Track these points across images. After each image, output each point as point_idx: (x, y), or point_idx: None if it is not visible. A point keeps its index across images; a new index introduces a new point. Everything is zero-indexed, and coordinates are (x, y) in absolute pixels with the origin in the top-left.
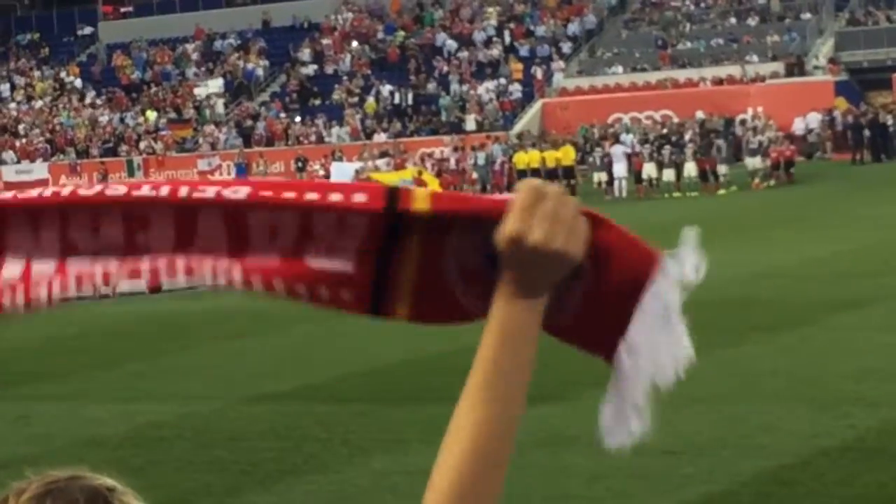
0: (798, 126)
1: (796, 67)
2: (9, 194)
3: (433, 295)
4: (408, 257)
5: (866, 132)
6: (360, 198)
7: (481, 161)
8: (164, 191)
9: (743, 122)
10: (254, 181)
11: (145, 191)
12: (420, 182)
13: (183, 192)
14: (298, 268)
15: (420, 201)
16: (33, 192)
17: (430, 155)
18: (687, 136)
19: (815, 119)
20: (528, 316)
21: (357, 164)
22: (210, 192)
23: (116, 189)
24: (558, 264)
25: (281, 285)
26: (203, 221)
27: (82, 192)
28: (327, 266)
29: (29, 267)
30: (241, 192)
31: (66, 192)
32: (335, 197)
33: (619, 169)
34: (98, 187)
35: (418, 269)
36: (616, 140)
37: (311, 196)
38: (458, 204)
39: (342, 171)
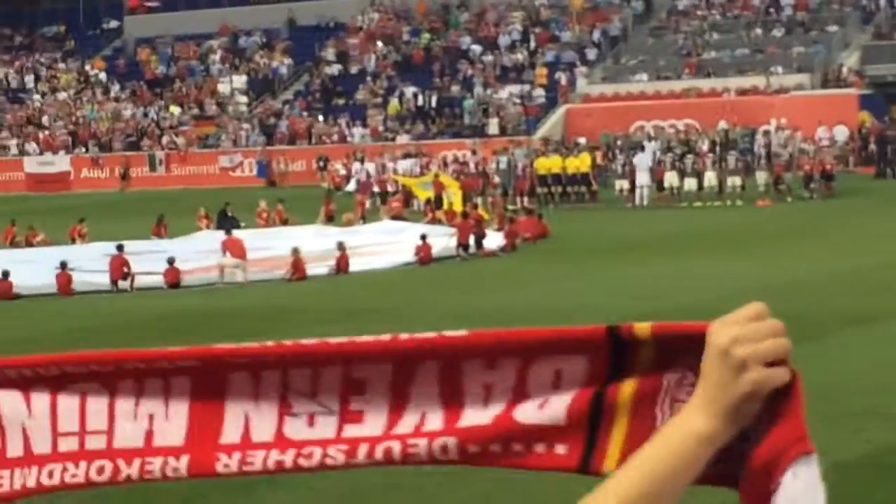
0: (820, 136)
1: (824, 79)
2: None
3: (643, 442)
4: (624, 398)
5: (890, 146)
6: (580, 331)
7: (503, 165)
8: (385, 338)
9: (766, 133)
10: (473, 332)
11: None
12: (438, 185)
13: (402, 337)
14: (511, 425)
15: (641, 326)
16: (253, 344)
17: (456, 159)
18: (705, 146)
19: (840, 132)
20: (698, 439)
21: (381, 163)
22: (429, 334)
23: (332, 343)
24: (733, 379)
25: (498, 448)
26: (419, 377)
27: (304, 341)
28: (540, 420)
29: (248, 434)
30: (459, 331)
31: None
32: (560, 341)
33: (643, 177)
34: (315, 341)
35: (634, 410)
36: (640, 148)
37: (540, 331)
38: (678, 326)
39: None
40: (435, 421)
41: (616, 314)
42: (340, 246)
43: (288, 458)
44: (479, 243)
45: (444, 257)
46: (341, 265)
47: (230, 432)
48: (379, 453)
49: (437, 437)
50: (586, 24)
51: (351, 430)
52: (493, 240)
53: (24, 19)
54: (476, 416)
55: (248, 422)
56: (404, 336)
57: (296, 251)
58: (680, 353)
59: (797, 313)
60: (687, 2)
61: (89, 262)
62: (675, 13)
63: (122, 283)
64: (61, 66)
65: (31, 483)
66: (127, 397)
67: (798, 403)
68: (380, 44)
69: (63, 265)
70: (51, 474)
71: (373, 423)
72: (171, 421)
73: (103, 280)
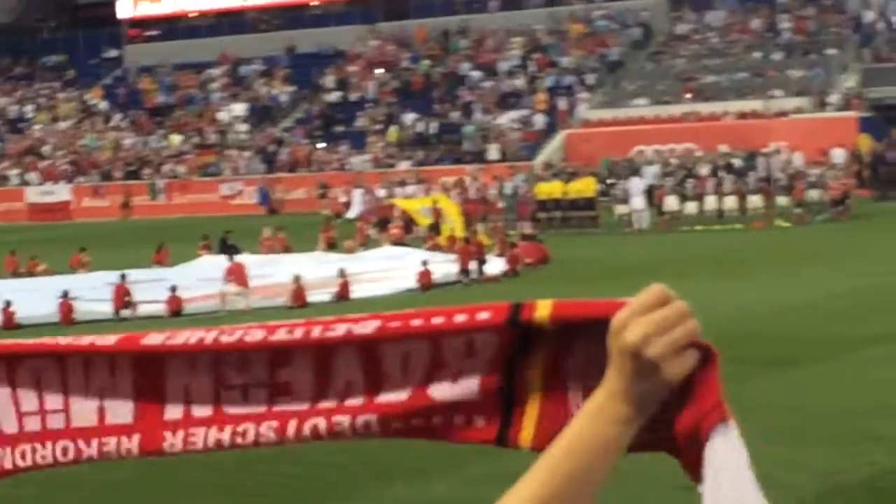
0: (833, 160)
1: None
2: (159, 338)
3: (557, 420)
4: (533, 378)
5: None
6: (484, 315)
7: (508, 190)
8: (299, 333)
9: (766, 156)
10: (383, 315)
11: (282, 334)
12: (437, 211)
13: (316, 331)
14: (427, 402)
15: (541, 308)
16: (179, 339)
17: (455, 184)
18: (705, 170)
19: (839, 155)
20: (613, 423)
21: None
22: (340, 329)
23: (255, 334)
24: (649, 374)
25: (419, 422)
26: (340, 360)
27: (225, 338)
28: (453, 396)
29: (189, 410)
30: (369, 327)
31: (210, 338)
32: (460, 318)
33: (637, 202)
34: (237, 335)
35: (543, 390)
36: (635, 173)
37: (438, 320)
38: (580, 307)
39: (361, 198)
40: (357, 397)
41: None
42: (341, 273)
43: (226, 436)
44: (480, 269)
45: (445, 283)
46: (343, 292)
47: (172, 408)
48: (307, 430)
49: (360, 414)
50: (585, 49)
51: (280, 404)
52: (495, 265)
53: (24, 49)
54: (395, 394)
55: (188, 396)
56: (317, 330)
57: (297, 278)
58: (584, 330)
59: (799, 335)
60: (685, 27)
61: (91, 291)
62: (674, 38)
63: (125, 312)
64: (61, 95)
65: (7, 464)
66: (77, 373)
67: (713, 374)
68: (379, 71)
69: (65, 294)
70: (23, 455)
71: (300, 396)
72: (119, 395)
73: (105, 309)
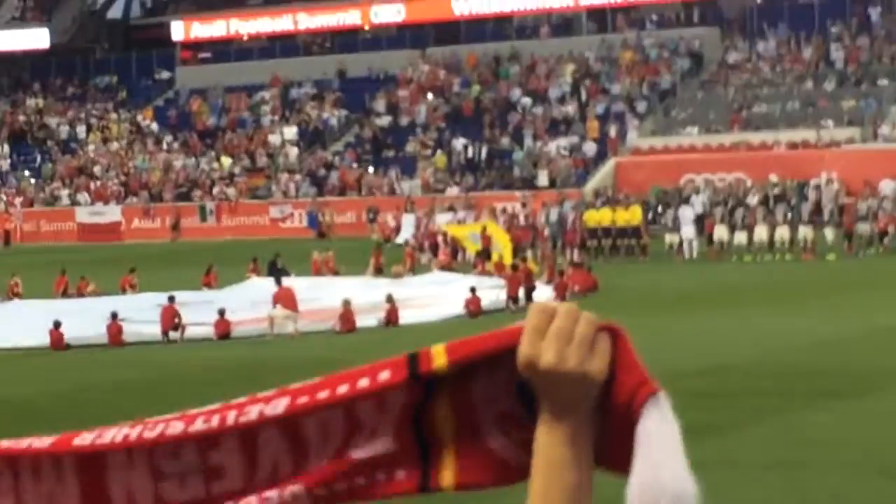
0: (883, 191)
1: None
2: (88, 438)
3: (474, 456)
4: (443, 420)
5: None
6: (384, 375)
7: (553, 217)
8: (216, 421)
9: (817, 187)
10: (290, 389)
11: (200, 424)
12: (486, 237)
13: (231, 418)
14: (348, 464)
15: (437, 357)
16: (108, 437)
17: (504, 210)
18: (755, 200)
19: (889, 186)
20: (567, 440)
21: (447, 216)
22: (253, 412)
23: (175, 426)
24: (580, 385)
25: (343, 486)
26: (262, 436)
27: (148, 433)
28: (372, 452)
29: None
30: (280, 406)
31: (134, 434)
32: (363, 382)
33: (688, 231)
34: (158, 429)
35: (455, 430)
36: (685, 202)
37: (343, 389)
38: (474, 345)
39: (410, 223)
40: (285, 469)
41: (667, 368)
42: (389, 298)
43: None
44: (528, 296)
45: (493, 310)
46: (391, 317)
47: None
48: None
49: (288, 486)
50: (636, 76)
51: (216, 487)
52: (543, 292)
53: (76, 70)
54: (316, 461)
55: (131, 494)
56: (231, 417)
57: (346, 303)
58: (484, 365)
59: (847, 368)
60: (737, 55)
61: (140, 313)
62: (725, 67)
63: (173, 334)
64: (113, 116)
65: None
66: (27, 478)
67: (628, 353)
68: (430, 96)
69: (114, 315)
70: None
71: (233, 477)
72: (68, 499)
73: (154, 331)
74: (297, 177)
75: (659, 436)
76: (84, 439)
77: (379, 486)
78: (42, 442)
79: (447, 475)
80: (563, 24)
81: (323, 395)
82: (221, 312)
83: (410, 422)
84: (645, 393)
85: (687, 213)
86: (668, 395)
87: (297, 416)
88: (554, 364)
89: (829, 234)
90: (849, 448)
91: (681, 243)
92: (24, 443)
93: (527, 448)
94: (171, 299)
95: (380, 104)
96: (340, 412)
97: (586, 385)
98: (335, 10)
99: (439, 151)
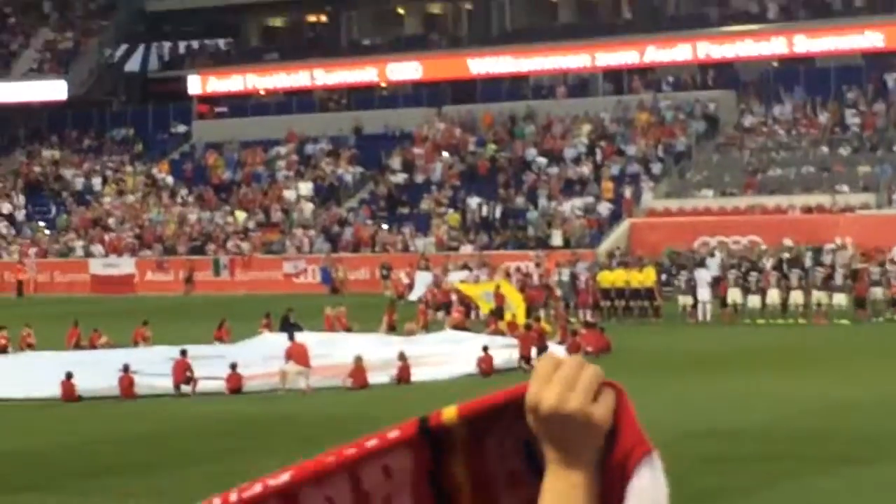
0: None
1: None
2: None
3: None
4: (460, 478)
5: None
6: (394, 433)
7: (566, 278)
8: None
9: (832, 251)
10: (294, 466)
11: None
12: (499, 296)
13: (233, 497)
14: None
15: (447, 412)
16: None
17: (518, 269)
18: (769, 264)
19: None
20: (571, 487)
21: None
22: (256, 487)
23: None
24: (582, 429)
25: None
26: None
27: None
28: None
29: None
30: (284, 476)
31: None
32: (372, 442)
33: (703, 293)
34: None
35: (471, 488)
36: (701, 264)
37: (350, 451)
38: (484, 400)
39: (424, 280)
40: None
41: (679, 430)
42: (402, 356)
43: None
44: (541, 356)
45: (506, 369)
46: (403, 375)
47: None
48: None
49: None
50: (652, 138)
51: None
52: (556, 352)
53: (93, 122)
54: None
55: None
56: (234, 496)
57: (358, 359)
58: (495, 422)
59: (861, 434)
60: (753, 119)
61: (152, 366)
62: (741, 130)
63: (185, 388)
64: (129, 168)
65: None
66: None
67: (628, 412)
68: (445, 154)
69: (126, 368)
70: None
71: None
72: None
73: (166, 384)
74: (312, 232)
75: (649, 493)
76: None
77: None
78: None
79: None
80: (580, 85)
81: (329, 459)
82: (233, 367)
83: (427, 483)
84: (640, 451)
85: (703, 276)
86: (679, 458)
87: (302, 482)
88: (555, 405)
89: (842, 299)
90: None
91: (694, 305)
92: None
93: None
94: (184, 353)
95: (395, 161)
96: (346, 485)
97: (588, 429)
98: (352, 67)
99: (451, 210)
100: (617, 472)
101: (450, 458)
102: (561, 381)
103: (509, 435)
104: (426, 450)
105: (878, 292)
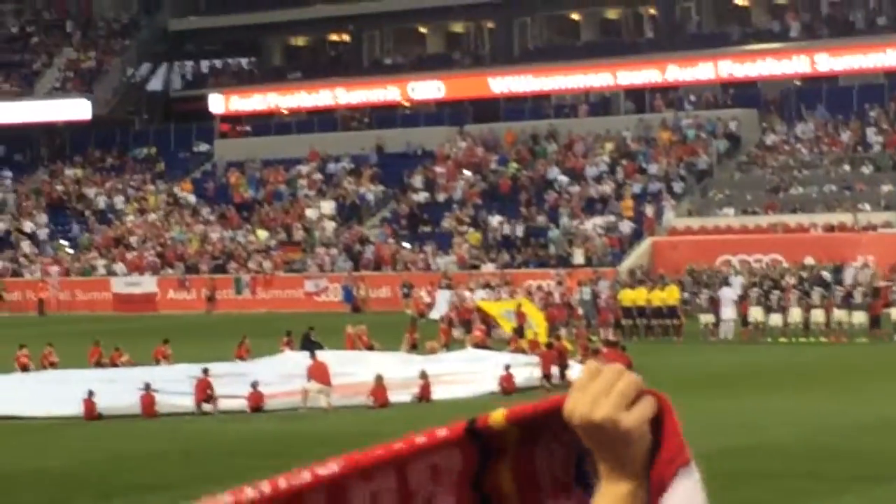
0: None
1: None
2: None
3: None
4: (505, 483)
5: None
6: (442, 432)
7: (587, 296)
8: (267, 488)
9: (853, 270)
10: (344, 457)
11: (248, 493)
12: (521, 314)
13: (282, 483)
14: None
15: (495, 416)
16: None
17: (539, 288)
18: (791, 282)
19: None
20: (618, 498)
21: (482, 293)
22: (305, 474)
23: (225, 500)
24: (613, 437)
25: None
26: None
27: None
28: None
29: None
30: (333, 466)
31: None
32: (421, 439)
33: (727, 312)
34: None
35: (516, 493)
36: (726, 283)
37: (399, 445)
38: (532, 407)
39: (445, 298)
40: None
41: (700, 448)
42: (423, 374)
43: None
44: (562, 374)
45: (527, 388)
46: (424, 393)
47: None
48: None
49: None
50: (674, 157)
51: None
52: (577, 371)
53: (116, 141)
54: None
55: None
56: (283, 482)
57: (379, 378)
58: (542, 430)
59: (881, 452)
60: (775, 137)
61: (173, 384)
62: (763, 148)
63: (206, 406)
64: (151, 187)
65: None
66: None
67: (671, 422)
68: (467, 172)
69: (147, 386)
70: None
71: None
72: None
73: (187, 402)
74: (333, 251)
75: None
76: None
77: None
78: None
79: None
80: (602, 103)
81: (378, 452)
82: (255, 385)
83: (470, 486)
84: (679, 462)
85: (728, 294)
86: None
87: (350, 474)
88: (587, 413)
89: (861, 317)
90: None
91: (716, 323)
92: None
93: None
94: (206, 371)
95: (417, 180)
96: (393, 480)
97: (620, 438)
98: (374, 86)
99: (471, 229)
100: (655, 482)
101: (497, 463)
102: (596, 389)
103: (559, 444)
104: (474, 452)
105: (893, 313)
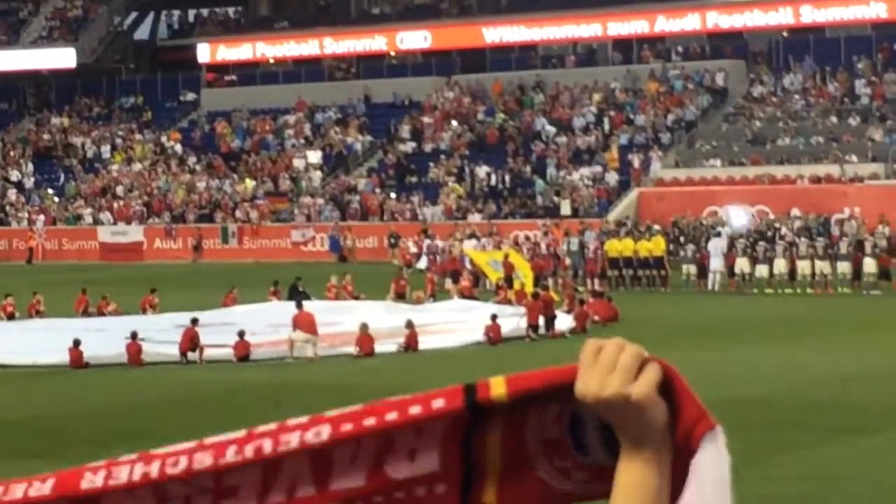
0: None
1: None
2: (98, 479)
3: (519, 481)
4: (493, 444)
5: None
6: (439, 402)
7: (574, 247)
8: (250, 451)
9: (839, 221)
10: (334, 416)
11: (231, 455)
12: (508, 265)
13: (267, 447)
14: (385, 481)
15: (496, 387)
16: (122, 475)
17: (527, 238)
18: (782, 232)
19: None
20: (643, 469)
21: (469, 243)
22: (294, 440)
23: (203, 461)
24: (626, 410)
25: (381, 499)
26: (288, 461)
27: (170, 470)
28: (413, 473)
29: None
30: (323, 434)
31: (154, 471)
32: (415, 410)
33: (716, 263)
34: (183, 463)
35: (504, 454)
36: (716, 234)
37: (392, 416)
38: (534, 380)
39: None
40: (306, 489)
41: None
42: (409, 324)
43: None
44: (548, 325)
45: (513, 337)
46: (410, 343)
47: None
48: None
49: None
50: (661, 108)
51: None
52: (563, 321)
53: (102, 90)
54: (349, 480)
55: None
56: (268, 446)
57: (364, 327)
58: (539, 399)
59: (867, 404)
60: (762, 89)
61: (160, 333)
62: (750, 100)
63: (192, 355)
64: (138, 136)
65: None
66: None
67: (683, 387)
68: (454, 123)
69: (134, 335)
70: None
71: (247, 496)
72: None
73: (173, 351)
74: (320, 201)
75: (712, 470)
76: (93, 482)
77: (417, 500)
78: (42, 488)
79: (488, 495)
80: (589, 54)
81: (370, 422)
82: (241, 334)
83: (458, 444)
84: (704, 427)
85: (718, 245)
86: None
87: (336, 443)
88: (596, 392)
89: (846, 268)
90: (864, 484)
91: (700, 275)
92: (17, 490)
93: (567, 476)
94: (195, 321)
95: (404, 130)
96: (376, 439)
97: (632, 410)
98: (361, 36)
99: (455, 182)
100: (681, 448)
101: (487, 423)
102: (600, 367)
103: (553, 408)
104: (465, 416)
105: (870, 264)
